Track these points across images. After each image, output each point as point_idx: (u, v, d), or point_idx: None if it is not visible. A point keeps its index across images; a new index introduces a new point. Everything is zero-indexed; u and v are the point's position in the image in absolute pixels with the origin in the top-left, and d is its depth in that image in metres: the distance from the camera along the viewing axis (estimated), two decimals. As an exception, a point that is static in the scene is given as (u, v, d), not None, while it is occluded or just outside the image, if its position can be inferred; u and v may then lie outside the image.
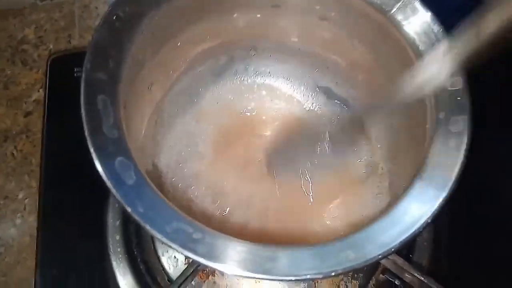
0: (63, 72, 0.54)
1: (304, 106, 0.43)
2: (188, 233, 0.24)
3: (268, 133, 0.42)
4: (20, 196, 0.53)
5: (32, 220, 0.52)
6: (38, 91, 0.60)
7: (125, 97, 0.29)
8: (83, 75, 0.26)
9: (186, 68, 0.39)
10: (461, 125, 0.28)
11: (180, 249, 0.24)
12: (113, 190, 0.24)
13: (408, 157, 0.31)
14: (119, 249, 0.41)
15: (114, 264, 0.40)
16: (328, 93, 0.43)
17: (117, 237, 0.41)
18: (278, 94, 0.44)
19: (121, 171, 0.25)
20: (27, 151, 0.56)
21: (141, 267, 0.40)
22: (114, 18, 0.29)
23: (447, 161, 0.27)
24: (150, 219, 0.24)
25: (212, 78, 0.42)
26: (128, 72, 0.30)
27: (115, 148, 0.26)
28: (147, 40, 0.31)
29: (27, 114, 0.58)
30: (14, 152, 0.56)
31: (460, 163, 0.26)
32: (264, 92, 0.44)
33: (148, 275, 0.39)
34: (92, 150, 0.25)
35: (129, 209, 0.24)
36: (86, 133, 0.26)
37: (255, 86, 0.43)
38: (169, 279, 0.40)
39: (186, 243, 0.24)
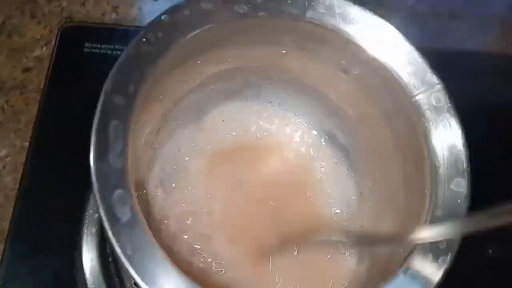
0: (73, 43, 0.53)
1: (302, 145, 0.43)
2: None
3: (262, 164, 0.42)
4: (2, 153, 0.53)
5: (9, 180, 0.51)
6: (42, 48, 0.58)
7: (137, 115, 0.29)
8: (102, 98, 0.26)
9: (199, 84, 0.39)
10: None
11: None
12: (107, 227, 0.24)
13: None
14: (92, 243, 0.41)
15: (85, 255, 0.40)
16: (331, 138, 0.43)
17: (93, 230, 0.41)
18: (283, 126, 0.44)
19: (117, 206, 0.25)
20: (19, 108, 0.55)
21: (110, 267, 0.40)
22: (143, 41, 0.28)
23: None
24: (137, 264, 0.25)
25: (222, 98, 0.42)
26: (144, 93, 0.29)
27: (117, 179, 0.26)
28: (169, 62, 0.31)
29: (26, 69, 0.57)
30: (5, 106, 0.55)
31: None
32: (269, 121, 0.43)
33: (116, 277, 0.39)
34: (94, 179, 0.25)
35: (118, 250, 0.24)
36: (91, 161, 0.25)
37: (263, 113, 0.43)
38: (136, 284, 0.40)
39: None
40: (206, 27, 0.32)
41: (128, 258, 0.24)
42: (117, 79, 0.27)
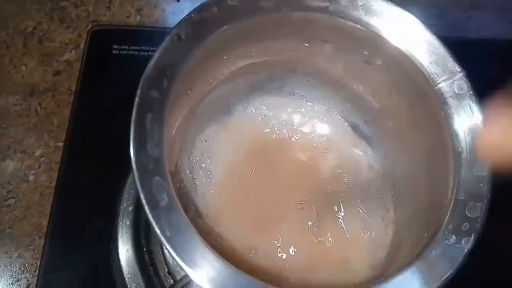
0: (102, 46, 0.55)
1: (326, 136, 0.44)
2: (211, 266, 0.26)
3: (287, 154, 0.43)
4: (37, 153, 0.55)
5: (44, 179, 0.53)
6: (71, 51, 0.60)
7: (170, 109, 0.31)
8: (139, 93, 0.28)
9: (225, 79, 0.40)
10: (477, 211, 0.29)
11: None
12: (147, 210, 0.26)
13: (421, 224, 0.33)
14: (127, 234, 0.42)
15: (121, 248, 0.42)
16: (354, 128, 0.44)
17: (128, 223, 0.43)
18: (306, 117, 0.45)
19: (156, 191, 0.27)
20: (51, 110, 0.57)
21: (145, 256, 0.42)
22: (176, 39, 0.30)
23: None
24: (175, 244, 0.26)
25: (247, 91, 0.43)
26: (175, 88, 0.31)
27: (154, 167, 0.27)
28: (198, 58, 0.32)
29: (57, 73, 0.59)
30: (38, 108, 0.57)
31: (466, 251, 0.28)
32: (293, 113, 0.45)
33: (151, 266, 0.41)
34: (134, 167, 0.27)
35: (158, 231, 0.26)
36: (132, 151, 0.27)
37: (287, 106, 0.44)
38: (169, 272, 0.42)
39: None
40: (232, 23, 0.33)
41: (167, 239, 0.26)
42: (152, 74, 0.29)
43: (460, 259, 0.28)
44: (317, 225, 0.40)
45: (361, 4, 0.35)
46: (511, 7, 0.67)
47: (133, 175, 0.27)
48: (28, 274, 0.48)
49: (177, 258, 0.26)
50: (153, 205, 0.27)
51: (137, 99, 0.28)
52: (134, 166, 0.27)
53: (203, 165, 0.41)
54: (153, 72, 0.29)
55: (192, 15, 0.32)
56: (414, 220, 0.35)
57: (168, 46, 0.30)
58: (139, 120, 0.28)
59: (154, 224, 0.26)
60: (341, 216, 0.40)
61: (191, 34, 0.31)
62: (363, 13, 0.35)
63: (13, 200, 0.52)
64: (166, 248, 0.26)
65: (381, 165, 0.43)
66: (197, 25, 0.31)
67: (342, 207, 0.41)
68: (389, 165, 0.42)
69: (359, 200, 0.41)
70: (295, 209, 0.40)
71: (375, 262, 0.38)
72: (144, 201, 0.26)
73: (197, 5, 0.62)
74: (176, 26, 0.30)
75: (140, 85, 0.28)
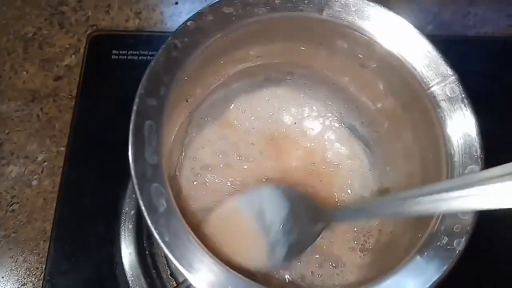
0: (101, 51, 0.55)
1: (322, 137, 0.45)
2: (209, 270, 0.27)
3: (284, 155, 0.44)
4: (40, 158, 0.55)
5: (47, 184, 0.54)
6: (71, 56, 0.61)
7: (168, 115, 0.31)
8: (137, 101, 0.28)
9: (223, 82, 0.41)
10: (469, 213, 0.30)
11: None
12: (146, 216, 0.27)
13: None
14: (130, 238, 0.43)
15: (123, 250, 0.43)
16: (351, 129, 0.45)
17: (130, 226, 0.44)
18: (303, 119, 0.46)
19: (154, 198, 0.28)
20: (52, 115, 0.58)
21: (147, 259, 0.43)
22: (172, 47, 0.30)
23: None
24: (174, 249, 0.27)
25: (244, 94, 0.44)
26: (173, 94, 0.32)
27: (153, 174, 0.28)
28: (195, 64, 0.33)
29: (57, 78, 0.60)
30: (40, 113, 0.58)
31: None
32: (290, 115, 0.45)
33: (153, 268, 0.42)
34: (133, 174, 0.27)
35: (157, 236, 0.26)
36: (130, 158, 0.28)
37: (284, 108, 0.45)
38: (171, 274, 0.43)
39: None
40: (228, 30, 0.34)
41: (166, 243, 0.27)
42: (149, 83, 0.30)
43: (452, 260, 0.29)
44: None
45: (354, 9, 0.35)
46: (508, 2, 0.67)
47: (133, 183, 0.27)
48: (33, 278, 0.49)
49: (176, 262, 0.26)
50: (152, 211, 0.27)
51: (134, 107, 0.29)
52: (133, 173, 0.28)
53: (202, 168, 0.42)
54: (150, 80, 0.30)
55: (188, 24, 0.32)
56: (408, 219, 0.36)
57: (164, 54, 0.31)
58: (137, 128, 0.29)
59: (153, 229, 0.27)
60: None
61: (187, 42, 0.31)
62: (356, 18, 0.35)
63: (17, 205, 0.53)
64: (164, 253, 0.26)
65: (377, 166, 0.43)
66: (193, 33, 0.32)
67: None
68: (384, 165, 0.42)
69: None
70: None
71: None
72: (143, 208, 0.27)
73: (195, 6, 0.63)
74: (171, 35, 0.31)
75: (137, 93, 0.29)
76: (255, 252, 0.34)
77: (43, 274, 0.48)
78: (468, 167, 0.32)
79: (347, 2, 0.35)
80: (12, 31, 0.62)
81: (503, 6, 0.66)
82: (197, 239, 0.28)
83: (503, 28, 0.66)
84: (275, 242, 0.34)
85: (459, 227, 0.30)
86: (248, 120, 0.45)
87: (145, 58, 0.57)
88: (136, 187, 0.27)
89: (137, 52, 0.57)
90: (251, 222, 0.35)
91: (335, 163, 0.44)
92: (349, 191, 0.43)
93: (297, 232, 0.35)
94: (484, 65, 0.53)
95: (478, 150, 0.32)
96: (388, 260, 0.34)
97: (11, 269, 0.49)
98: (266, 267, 0.35)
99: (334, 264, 0.39)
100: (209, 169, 0.42)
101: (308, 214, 0.37)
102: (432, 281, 0.28)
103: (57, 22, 0.64)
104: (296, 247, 0.36)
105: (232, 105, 0.45)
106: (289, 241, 0.35)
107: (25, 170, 0.54)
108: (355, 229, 0.41)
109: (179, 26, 0.32)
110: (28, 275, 0.49)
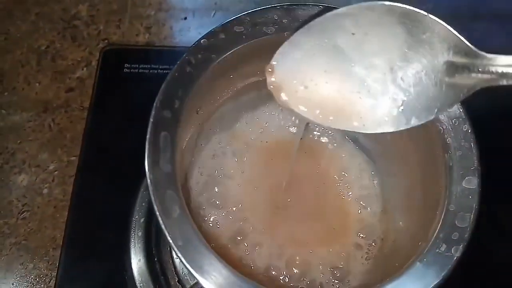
0: (113, 65, 0.57)
1: (325, 148, 0.47)
2: (219, 273, 0.28)
3: (289, 165, 0.46)
4: (51, 167, 0.57)
5: (57, 192, 0.55)
6: (83, 69, 0.63)
7: (181, 126, 0.33)
8: (153, 113, 0.30)
9: (232, 95, 0.43)
10: (467, 221, 0.32)
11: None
12: (161, 221, 0.28)
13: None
14: (139, 245, 0.45)
15: (133, 258, 0.44)
16: (354, 141, 0.46)
17: (140, 234, 0.45)
18: (308, 130, 0.47)
19: (168, 204, 0.29)
20: (64, 125, 0.59)
21: (156, 266, 0.44)
22: (186, 63, 0.32)
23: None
24: (186, 253, 0.28)
25: (251, 106, 0.46)
26: (186, 107, 0.33)
27: (167, 182, 0.30)
28: (207, 79, 0.35)
29: (69, 90, 0.62)
30: (51, 124, 0.59)
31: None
32: (294, 127, 0.47)
33: (162, 275, 0.43)
34: (149, 182, 0.29)
35: (170, 241, 0.28)
36: (147, 167, 0.29)
37: (289, 120, 0.47)
38: (179, 281, 0.44)
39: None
40: (238, 47, 0.35)
41: (179, 247, 0.28)
42: (165, 96, 0.32)
43: (450, 266, 0.31)
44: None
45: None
46: (509, 18, 0.69)
47: (146, 188, 0.29)
48: (43, 285, 0.50)
49: (188, 265, 0.28)
50: (166, 216, 0.29)
51: (151, 119, 0.30)
52: (149, 181, 0.29)
53: (211, 176, 0.43)
54: (166, 94, 0.32)
55: (201, 41, 0.34)
56: (409, 228, 0.37)
57: (179, 69, 0.32)
58: (154, 139, 0.30)
59: (167, 233, 0.28)
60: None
61: (200, 59, 0.33)
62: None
63: (28, 213, 0.54)
64: (177, 256, 0.28)
65: (379, 176, 0.45)
66: (206, 50, 0.34)
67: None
68: (387, 176, 0.44)
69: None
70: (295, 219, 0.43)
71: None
72: (158, 213, 0.29)
73: (203, 21, 0.65)
74: (187, 52, 0.33)
75: (154, 106, 0.31)
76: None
77: (52, 280, 0.49)
78: (466, 178, 0.33)
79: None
80: (26, 44, 0.64)
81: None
82: (208, 244, 0.29)
83: (504, 44, 0.67)
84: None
85: (457, 235, 0.31)
86: (255, 132, 0.46)
87: (155, 71, 0.59)
88: (152, 193, 0.29)
89: (148, 66, 0.59)
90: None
91: (336, 174, 0.46)
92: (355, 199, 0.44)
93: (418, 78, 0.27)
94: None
95: (475, 161, 0.34)
96: (390, 266, 0.35)
97: (21, 276, 0.50)
98: (366, 124, 0.28)
99: (337, 272, 0.40)
100: (216, 178, 0.43)
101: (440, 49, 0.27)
102: (431, 286, 0.30)
103: (70, 36, 0.65)
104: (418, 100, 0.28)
105: (240, 117, 0.46)
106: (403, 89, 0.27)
107: (36, 179, 0.56)
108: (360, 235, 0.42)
109: (194, 44, 0.34)
110: (38, 281, 0.50)
